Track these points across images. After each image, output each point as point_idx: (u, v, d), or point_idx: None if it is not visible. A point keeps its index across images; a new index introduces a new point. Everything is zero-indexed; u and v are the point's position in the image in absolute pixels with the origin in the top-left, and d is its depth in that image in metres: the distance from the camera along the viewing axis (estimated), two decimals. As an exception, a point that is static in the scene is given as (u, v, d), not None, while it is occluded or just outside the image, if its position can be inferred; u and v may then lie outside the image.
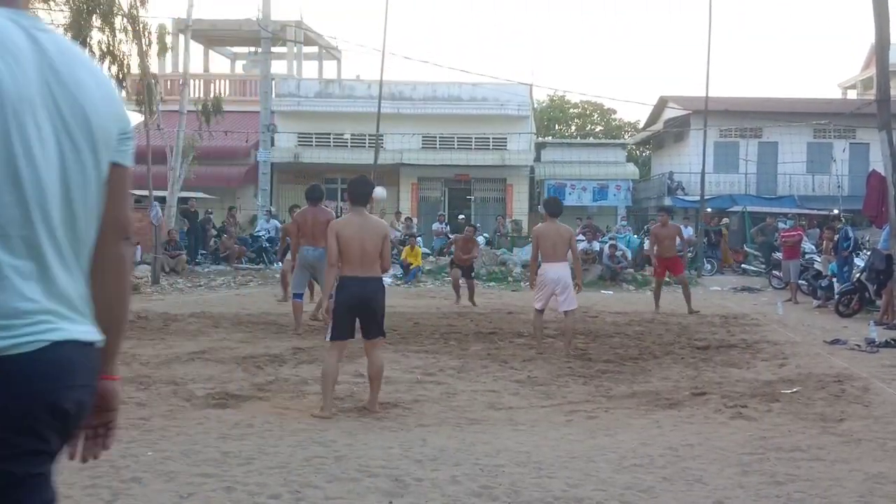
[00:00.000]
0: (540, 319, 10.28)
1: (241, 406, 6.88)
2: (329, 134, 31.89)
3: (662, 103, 36.71)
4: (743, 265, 25.16)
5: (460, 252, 16.38)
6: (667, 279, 15.96)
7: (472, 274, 16.55)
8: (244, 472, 5.01)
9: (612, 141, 41.56)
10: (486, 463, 5.33)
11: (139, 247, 21.66)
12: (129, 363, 8.62)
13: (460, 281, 16.11)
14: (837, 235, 16.47)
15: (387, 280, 17.05)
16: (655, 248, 15.44)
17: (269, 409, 6.80)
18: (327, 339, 6.85)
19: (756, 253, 24.64)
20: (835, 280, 15.69)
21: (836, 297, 14.63)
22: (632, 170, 34.26)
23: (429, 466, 5.23)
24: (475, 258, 17.13)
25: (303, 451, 5.50)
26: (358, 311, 6.68)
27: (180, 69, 27.26)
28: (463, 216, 29.15)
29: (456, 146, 31.57)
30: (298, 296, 11.47)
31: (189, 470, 5.04)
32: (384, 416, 6.71)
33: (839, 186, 29.69)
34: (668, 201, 32.74)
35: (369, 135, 28.17)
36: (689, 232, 25.92)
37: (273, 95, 29.19)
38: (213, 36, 34.44)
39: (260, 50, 28.51)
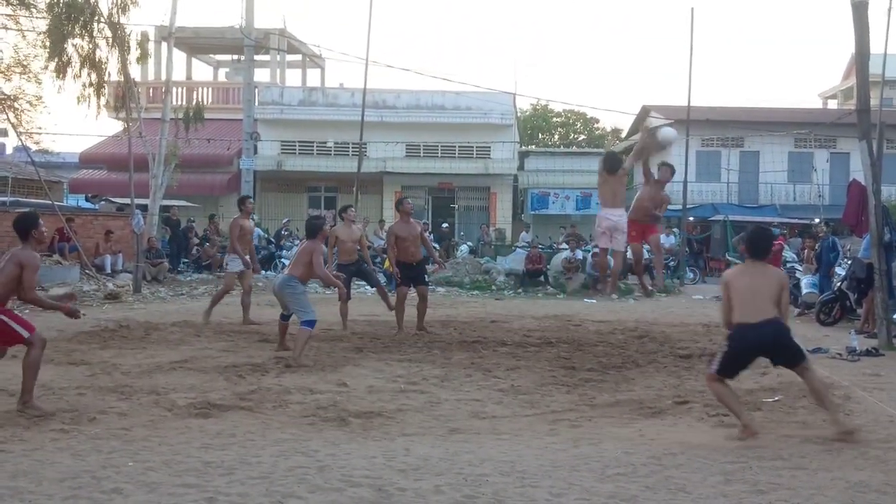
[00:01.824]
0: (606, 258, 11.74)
1: (223, 416, 6.83)
2: (312, 142, 31.91)
3: (645, 112, 36.88)
4: (725, 274, 25.24)
5: (405, 242, 11.81)
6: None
7: (427, 278, 12.21)
8: (226, 483, 4.98)
9: (595, 150, 41.77)
10: (469, 472, 5.31)
11: (121, 255, 21.57)
12: (111, 373, 8.57)
13: (408, 293, 12.03)
14: (819, 245, 16.54)
15: (369, 289, 16.99)
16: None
17: (252, 419, 6.76)
18: (712, 370, 6.58)
19: (738, 262, 24.74)
20: (806, 287, 15.78)
21: (818, 306, 14.72)
22: (615, 178, 34.35)
23: (412, 476, 5.21)
24: (434, 256, 12.34)
25: (285, 461, 5.47)
26: (760, 354, 6.57)
27: (163, 77, 27.17)
28: (446, 224, 29.20)
29: (440, 154, 31.64)
30: (284, 317, 11.06)
31: (171, 480, 5.00)
32: (368, 426, 6.70)
33: (820, 195, 29.92)
34: (650, 209, 32.91)
35: (353, 143, 28.21)
36: (672, 240, 26.10)
37: (256, 103, 29.14)
38: (196, 44, 34.36)
39: (243, 58, 28.45)
